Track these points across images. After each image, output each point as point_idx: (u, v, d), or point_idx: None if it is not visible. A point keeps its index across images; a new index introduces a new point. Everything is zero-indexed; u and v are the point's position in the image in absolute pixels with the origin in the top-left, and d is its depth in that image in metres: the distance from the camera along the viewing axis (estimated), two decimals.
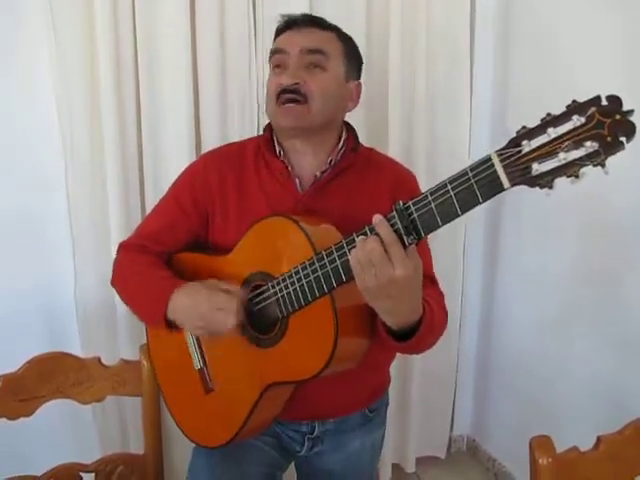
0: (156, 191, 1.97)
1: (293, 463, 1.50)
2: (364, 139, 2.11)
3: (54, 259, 2.01)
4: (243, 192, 1.29)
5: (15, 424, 1.37)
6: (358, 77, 1.35)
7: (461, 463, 2.66)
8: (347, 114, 1.35)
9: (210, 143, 1.99)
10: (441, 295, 1.29)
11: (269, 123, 1.34)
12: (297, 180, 1.27)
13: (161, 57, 1.93)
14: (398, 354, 1.42)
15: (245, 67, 2.01)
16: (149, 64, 1.92)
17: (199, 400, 1.30)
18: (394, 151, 2.15)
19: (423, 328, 1.04)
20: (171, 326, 1.24)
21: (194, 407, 1.33)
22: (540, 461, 1.02)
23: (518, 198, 2.28)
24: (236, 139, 1.99)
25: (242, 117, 2.04)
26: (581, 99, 0.76)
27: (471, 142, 2.33)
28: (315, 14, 1.99)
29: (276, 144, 1.31)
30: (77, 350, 1.83)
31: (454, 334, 2.48)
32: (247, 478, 1.34)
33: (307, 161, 1.29)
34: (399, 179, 1.33)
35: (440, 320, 1.18)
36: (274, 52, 1.27)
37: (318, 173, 1.27)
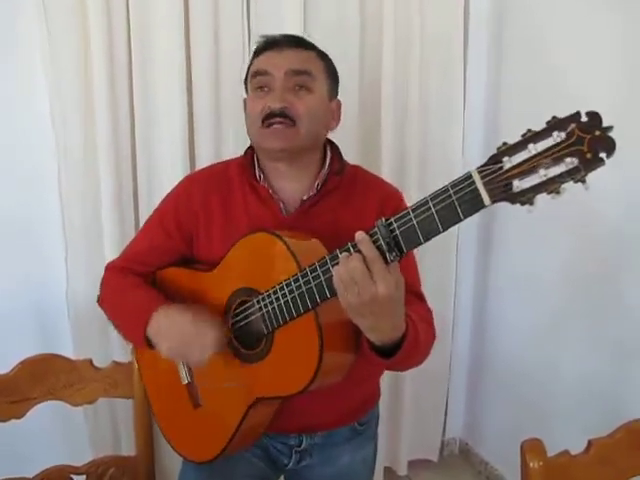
0: (149, 192, 1.97)
1: (283, 477, 1.48)
2: (357, 146, 2.12)
3: (46, 260, 2.01)
4: (228, 214, 1.29)
5: (6, 426, 1.37)
6: (337, 95, 1.33)
7: (453, 466, 2.66)
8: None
9: (204, 143, 2.01)
10: (429, 311, 1.28)
11: (250, 146, 1.33)
12: (281, 204, 1.26)
13: (155, 57, 1.93)
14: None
15: (239, 67, 2.00)
16: (143, 64, 1.92)
17: (187, 415, 1.29)
18: (387, 158, 2.16)
19: (406, 345, 1.03)
20: (152, 346, 1.23)
21: (182, 422, 1.32)
22: (531, 464, 1.02)
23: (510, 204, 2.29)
24: (230, 139, 2.01)
25: (236, 117, 2.03)
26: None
27: (464, 147, 2.34)
28: (308, 19, 2.03)
29: (257, 168, 1.29)
30: (69, 352, 1.82)
31: (447, 337, 2.48)
32: None
33: (290, 184, 1.28)
34: (385, 197, 1.31)
35: (426, 338, 1.16)
36: (255, 74, 1.24)
37: (305, 197, 1.26)
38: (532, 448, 1.03)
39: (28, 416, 1.39)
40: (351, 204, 1.27)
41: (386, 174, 2.07)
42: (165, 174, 1.96)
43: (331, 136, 1.34)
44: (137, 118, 1.96)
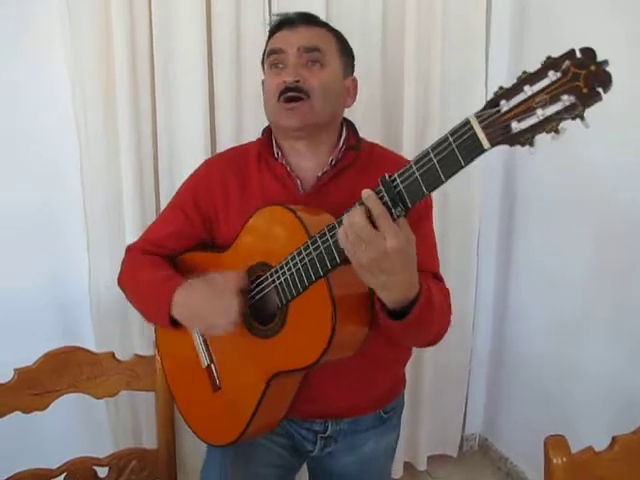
0: (171, 183, 1.97)
1: (306, 465, 1.50)
2: (378, 132, 2.10)
3: (68, 254, 2.02)
4: (245, 194, 1.30)
5: (29, 418, 1.38)
6: (352, 72, 1.35)
7: (473, 462, 2.65)
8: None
9: (225, 135, 2.01)
10: (446, 289, 1.26)
11: (267, 126, 1.35)
12: (298, 181, 1.27)
13: (177, 45, 1.93)
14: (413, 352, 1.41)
15: (260, 53, 2.00)
16: (165, 56, 1.92)
17: (207, 398, 1.30)
18: (408, 143, 2.15)
19: (419, 305, 1.02)
20: (177, 324, 1.25)
21: (203, 406, 1.33)
22: (555, 461, 1.01)
23: (532, 197, 2.27)
24: (251, 131, 2.01)
25: (256, 103, 2.02)
26: None
27: None
28: (331, 9, 2.02)
29: (274, 146, 1.31)
30: (91, 345, 1.83)
31: (467, 332, 2.47)
32: (258, 478, 1.35)
33: (308, 162, 1.29)
34: None
35: (442, 308, 1.15)
36: (271, 52, 1.27)
37: (320, 173, 1.27)
38: (556, 444, 1.02)
39: (51, 408, 1.41)
40: (367, 180, 1.25)
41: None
42: (186, 165, 1.96)
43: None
44: (159, 110, 1.96)
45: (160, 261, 1.35)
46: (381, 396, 1.38)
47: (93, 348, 1.50)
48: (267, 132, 1.35)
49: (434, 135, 2.18)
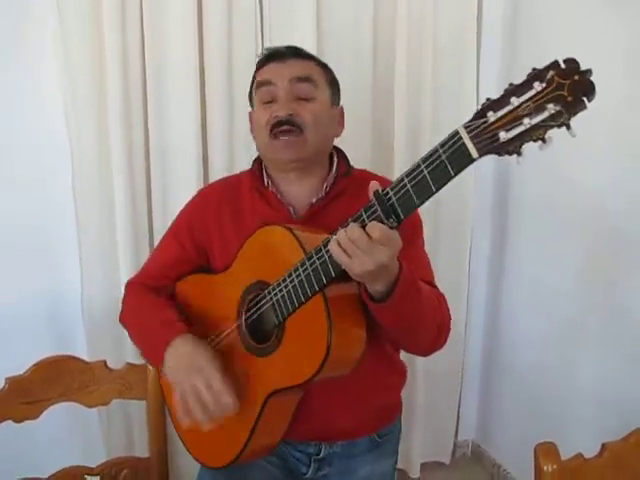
0: (163, 197, 1.98)
1: None
2: (370, 147, 2.11)
3: (61, 264, 2.02)
4: (239, 221, 1.31)
5: (21, 427, 1.38)
6: (339, 102, 1.37)
7: (466, 469, 2.65)
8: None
9: (217, 144, 2.02)
10: (442, 296, 1.26)
11: (257, 157, 1.36)
12: (290, 208, 1.28)
13: (168, 58, 1.94)
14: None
15: (252, 67, 2.01)
16: (156, 66, 1.93)
17: None
18: (399, 158, 2.17)
19: (405, 273, 1.03)
20: None
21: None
22: (545, 468, 1.01)
23: (523, 207, 2.28)
24: (242, 150, 2.01)
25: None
26: None
27: None
28: (321, 18, 2.03)
29: (265, 176, 1.32)
30: (83, 354, 1.83)
31: (459, 340, 2.47)
32: None
33: (299, 190, 1.30)
34: None
35: (431, 296, 1.17)
36: (260, 84, 1.28)
37: (313, 200, 1.28)
38: (546, 451, 1.03)
39: (43, 417, 1.40)
40: (360, 204, 1.28)
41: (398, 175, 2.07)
42: (178, 177, 1.98)
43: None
44: (150, 120, 1.96)
45: (159, 303, 1.35)
46: (375, 418, 1.37)
47: (85, 357, 1.50)
48: (257, 163, 1.36)
49: (425, 144, 2.20)
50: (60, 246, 2.01)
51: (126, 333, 1.97)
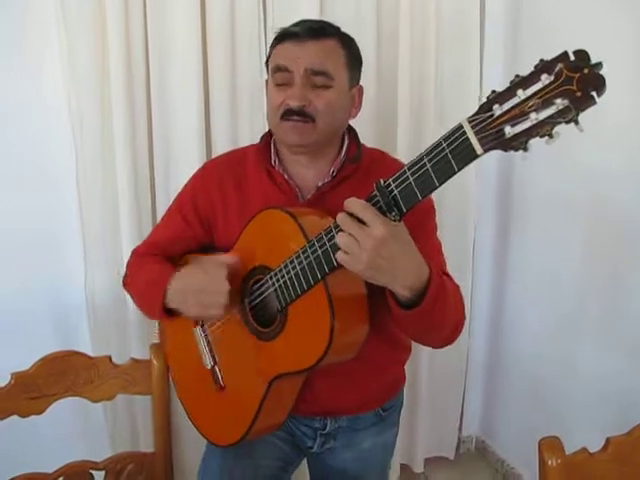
0: (167, 194, 1.98)
1: (306, 461, 1.51)
2: (372, 135, 2.10)
3: (65, 259, 2.02)
4: (244, 197, 1.30)
5: (26, 422, 1.38)
6: (359, 80, 1.32)
7: (470, 464, 2.65)
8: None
9: (221, 140, 2.01)
10: (456, 285, 1.23)
11: (266, 133, 1.34)
12: (297, 189, 1.28)
13: (171, 56, 1.93)
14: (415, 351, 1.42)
15: (256, 64, 2.02)
16: (160, 64, 1.93)
17: (212, 399, 1.32)
18: (402, 154, 2.15)
19: (435, 278, 1.01)
20: (172, 314, 1.27)
21: (208, 406, 1.34)
22: (549, 462, 1.02)
23: (527, 200, 2.28)
24: (246, 135, 2.02)
25: (251, 114, 2.05)
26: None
27: None
28: (326, 8, 2.02)
29: (272, 154, 1.31)
30: (88, 349, 1.83)
31: (463, 335, 2.44)
32: (258, 470, 1.37)
33: (308, 171, 1.29)
34: None
35: (454, 292, 1.14)
36: (276, 69, 1.22)
37: (320, 183, 1.27)
38: (550, 446, 1.03)
39: (48, 412, 1.41)
40: (367, 188, 1.27)
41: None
42: (182, 171, 1.97)
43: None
44: (154, 117, 1.96)
45: (159, 258, 1.37)
46: (380, 394, 1.40)
47: (90, 352, 1.50)
48: (266, 138, 1.34)
49: (428, 137, 2.19)
50: (64, 242, 2.01)
51: (130, 330, 2.01)
